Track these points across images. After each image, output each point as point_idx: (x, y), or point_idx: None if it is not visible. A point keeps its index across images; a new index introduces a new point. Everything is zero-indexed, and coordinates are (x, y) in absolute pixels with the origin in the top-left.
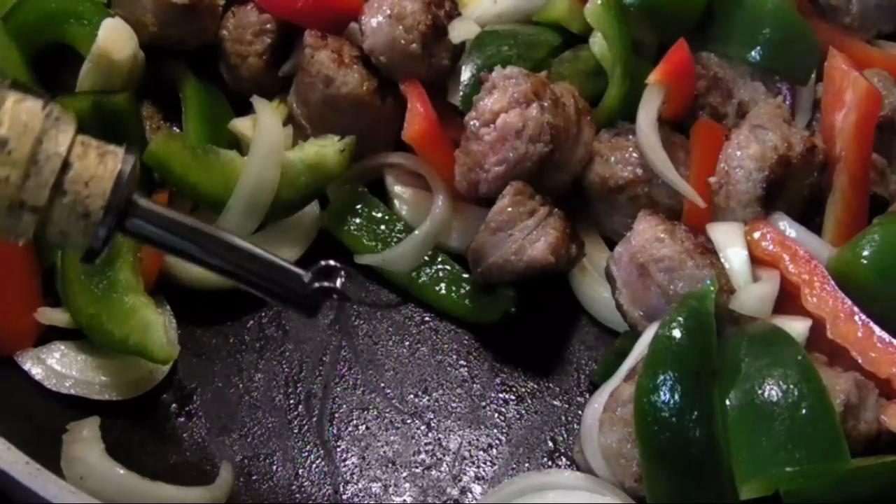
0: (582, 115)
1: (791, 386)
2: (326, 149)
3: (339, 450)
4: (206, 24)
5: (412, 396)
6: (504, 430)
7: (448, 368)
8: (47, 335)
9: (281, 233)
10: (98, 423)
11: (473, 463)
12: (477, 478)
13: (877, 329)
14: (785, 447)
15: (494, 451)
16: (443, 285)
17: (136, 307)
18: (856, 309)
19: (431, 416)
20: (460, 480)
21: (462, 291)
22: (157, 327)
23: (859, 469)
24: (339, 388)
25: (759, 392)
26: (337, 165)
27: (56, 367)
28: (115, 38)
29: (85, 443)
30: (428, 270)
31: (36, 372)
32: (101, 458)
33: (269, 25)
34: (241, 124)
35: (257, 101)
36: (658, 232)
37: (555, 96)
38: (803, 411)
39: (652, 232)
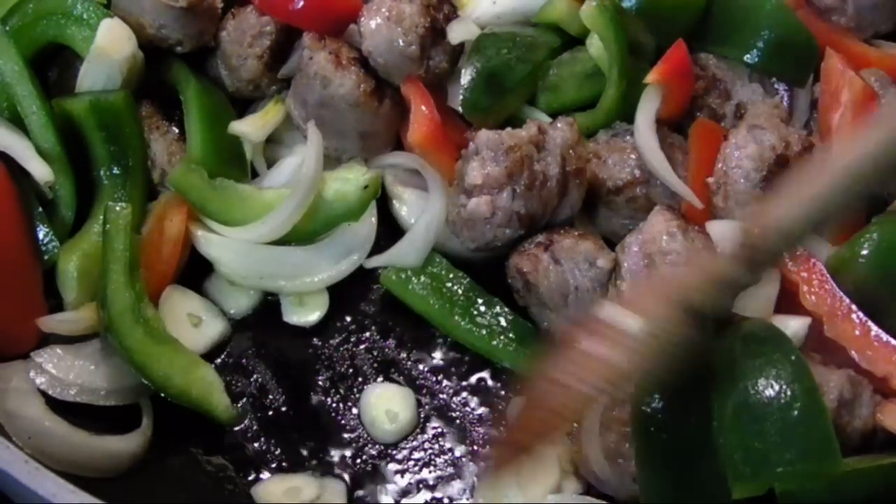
0: (571, 178)
1: (783, 386)
2: (348, 185)
3: None
4: (204, 26)
5: None
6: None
7: (448, 368)
8: (47, 336)
9: None
10: (27, 368)
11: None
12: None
13: (874, 327)
14: (776, 448)
15: None
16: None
17: (196, 362)
18: (853, 307)
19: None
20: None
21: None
22: (219, 387)
23: (855, 471)
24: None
25: (753, 392)
26: (357, 203)
27: (53, 371)
28: (113, 39)
29: (20, 395)
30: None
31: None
32: (45, 413)
33: (268, 28)
34: (241, 126)
35: (312, 131)
36: (671, 227)
37: (532, 177)
38: (795, 412)
39: (664, 225)
